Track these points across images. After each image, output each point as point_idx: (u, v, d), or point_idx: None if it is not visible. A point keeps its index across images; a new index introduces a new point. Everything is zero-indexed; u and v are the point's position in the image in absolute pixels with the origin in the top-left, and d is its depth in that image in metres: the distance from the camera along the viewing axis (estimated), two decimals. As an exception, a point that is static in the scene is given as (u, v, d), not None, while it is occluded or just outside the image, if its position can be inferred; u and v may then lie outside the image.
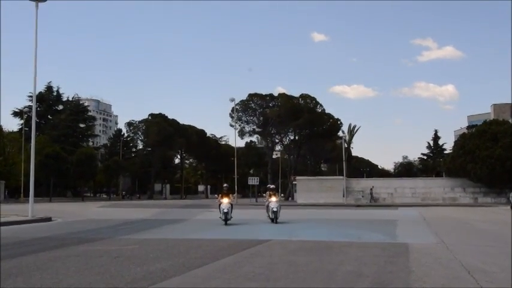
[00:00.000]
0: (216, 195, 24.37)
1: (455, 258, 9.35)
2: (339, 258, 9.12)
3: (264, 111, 72.04)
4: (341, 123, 74.79)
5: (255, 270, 7.68)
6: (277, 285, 6.59)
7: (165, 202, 63.42)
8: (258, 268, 7.92)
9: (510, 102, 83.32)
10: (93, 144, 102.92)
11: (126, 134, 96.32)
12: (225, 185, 19.95)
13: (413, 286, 6.54)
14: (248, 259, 9.09)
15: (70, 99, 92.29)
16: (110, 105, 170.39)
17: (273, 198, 19.09)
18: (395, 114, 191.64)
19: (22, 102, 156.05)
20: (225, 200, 18.38)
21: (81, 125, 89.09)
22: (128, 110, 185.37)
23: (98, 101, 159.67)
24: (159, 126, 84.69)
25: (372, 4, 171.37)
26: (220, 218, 18.22)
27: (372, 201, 52.45)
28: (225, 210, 18.00)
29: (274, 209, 18.80)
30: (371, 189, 54.14)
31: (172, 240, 12.87)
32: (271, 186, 21.08)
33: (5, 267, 7.86)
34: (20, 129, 73.48)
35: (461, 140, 56.31)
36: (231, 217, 18.34)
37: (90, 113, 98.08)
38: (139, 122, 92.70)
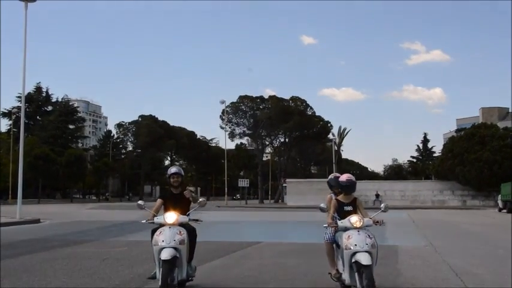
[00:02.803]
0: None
1: (443, 260, 9.42)
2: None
3: (255, 113, 72.11)
4: (331, 125, 75.04)
5: (244, 273, 7.68)
6: (267, 287, 6.59)
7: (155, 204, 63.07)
8: (247, 270, 7.92)
9: (498, 106, 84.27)
10: (82, 145, 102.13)
11: (115, 136, 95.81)
12: (172, 169, 6.63)
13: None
14: (237, 261, 9.09)
15: (59, 100, 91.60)
16: (100, 107, 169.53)
17: (355, 219, 5.70)
18: (384, 117, 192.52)
19: (11, 103, 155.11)
20: (171, 218, 5.92)
21: (71, 126, 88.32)
22: (118, 111, 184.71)
23: (87, 102, 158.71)
24: (149, 128, 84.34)
25: (360, 7, 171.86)
26: (153, 277, 6.09)
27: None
28: (166, 257, 5.49)
29: (364, 262, 5.28)
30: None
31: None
32: (348, 178, 6.24)
33: (-8, 269, 7.78)
34: (9, 130, 72.82)
35: (450, 143, 56.72)
36: (191, 276, 6.26)
37: (79, 114, 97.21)
38: (129, 123, 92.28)
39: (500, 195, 39.39)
